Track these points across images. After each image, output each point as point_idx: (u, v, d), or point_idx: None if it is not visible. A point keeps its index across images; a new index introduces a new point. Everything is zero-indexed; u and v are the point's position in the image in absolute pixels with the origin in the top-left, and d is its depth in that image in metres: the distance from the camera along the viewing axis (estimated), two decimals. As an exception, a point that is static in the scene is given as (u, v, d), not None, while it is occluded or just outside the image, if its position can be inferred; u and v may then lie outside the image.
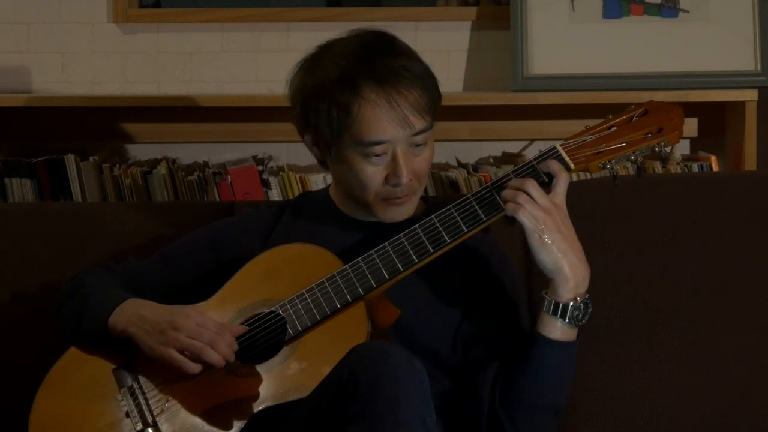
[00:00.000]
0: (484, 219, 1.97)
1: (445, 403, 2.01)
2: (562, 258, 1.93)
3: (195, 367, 1.92)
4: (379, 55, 2.02)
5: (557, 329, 1.95)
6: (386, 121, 1.99)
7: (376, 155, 2.01)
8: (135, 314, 1.98)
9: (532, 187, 1.93)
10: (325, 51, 2.07)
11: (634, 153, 1.98)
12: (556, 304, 1.94)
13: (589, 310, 1.96)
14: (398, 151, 2.01)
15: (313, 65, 2.06)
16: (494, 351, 2.02)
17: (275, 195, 3.03)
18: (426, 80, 2.03)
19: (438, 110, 2.07)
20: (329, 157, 2.08)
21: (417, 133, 2.01)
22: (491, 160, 3.16)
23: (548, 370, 1.96)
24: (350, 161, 2.03)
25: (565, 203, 1.96)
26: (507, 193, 1.95)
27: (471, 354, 2.05)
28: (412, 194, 2.06)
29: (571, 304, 1.94)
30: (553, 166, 1.95)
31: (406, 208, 2.06)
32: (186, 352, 1.92)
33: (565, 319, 1.94)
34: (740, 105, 3.01)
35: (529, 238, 1.93)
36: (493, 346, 2.03)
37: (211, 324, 1.93)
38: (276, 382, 1.94)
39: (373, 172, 2.02)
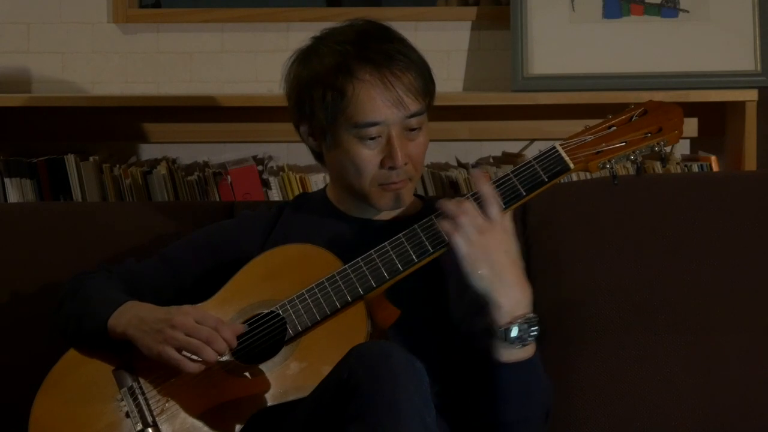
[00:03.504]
0: (484, 218, 1.96)
1: (446, 403, 2.01)
2: (493, 283, 1.89)
3: (193, 366, 1.92)
4: (373, 41, 2.04)
5: (507, 351, 1.92)
6: (381, 102, 2.00)
7: (371, 137, 2.02)
8: (134, 317, 1.98)
9: (471, 207, 1.90)
10: (319, 41, 2.08)
11: (633, 153, 1.97)
12: (498, 329, 1.91)
13: (535, 328, 1.91)
14: (393, 133, 2.02)
15: (307, 56, 2.08)
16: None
17: (275, 195, 3.03)
18: (420, 65, 2.05)
19: (432, 97, 2.08)
20: (325, 146, 2.08)
21: (412, 116, 2.02)
22: (491, 160, 3.16)
23: (511, 390, 1.94)
24: (346, 146, 2.03)
25: (508, 220, 1.92)
26: (447, 213, 1.91)
27: (472, 354, 2.04)
28: (408, 180, 2.06)
29: (513, 327, 1.90)
30: (484, 189, 1.91)
31: (402, 195, 2.07)
32: (184, 352, 1.92)
33: (509, 342, 1.91)
34: (740, 105, 3.01)
35: (460, 262, 1.90)
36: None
37: (210, 321, 1.93)
38: (276, 382, 1.93)
39: (368, 156, 2.03)
